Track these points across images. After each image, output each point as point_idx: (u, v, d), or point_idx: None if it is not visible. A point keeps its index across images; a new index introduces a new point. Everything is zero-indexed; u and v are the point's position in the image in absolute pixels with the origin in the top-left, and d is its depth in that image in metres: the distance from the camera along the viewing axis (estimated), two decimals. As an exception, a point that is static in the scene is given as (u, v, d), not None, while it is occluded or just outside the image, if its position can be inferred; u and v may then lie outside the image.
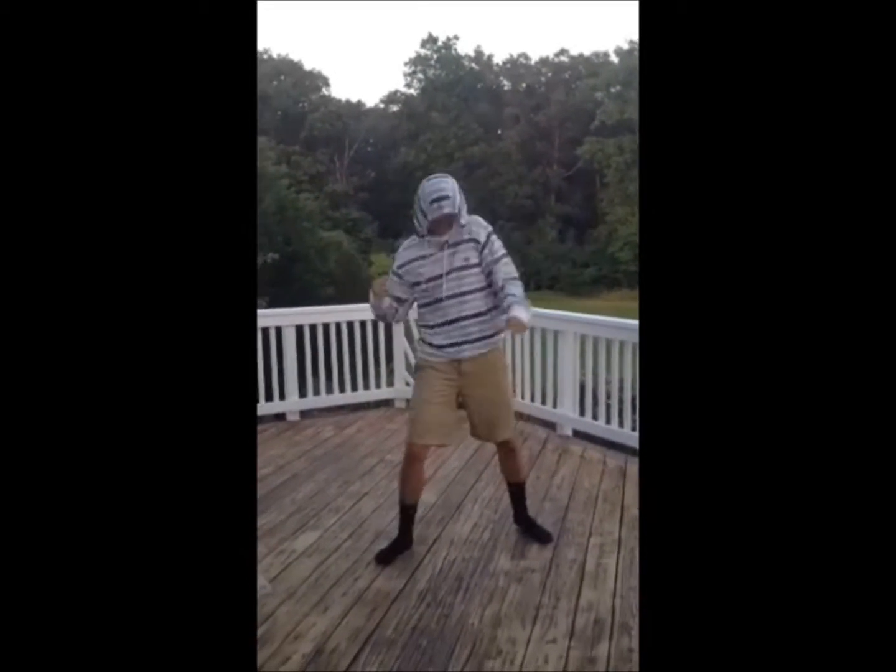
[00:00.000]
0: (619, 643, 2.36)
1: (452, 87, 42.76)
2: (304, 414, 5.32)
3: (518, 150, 40.73)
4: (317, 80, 46.20)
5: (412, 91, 45.41)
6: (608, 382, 4.57)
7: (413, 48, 71.75)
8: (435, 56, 44.32)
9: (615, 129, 37.29)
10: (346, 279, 18.40)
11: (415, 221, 2.81)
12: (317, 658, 2.31)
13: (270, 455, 4.43)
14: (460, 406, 3.00)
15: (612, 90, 39.57)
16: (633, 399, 4.27)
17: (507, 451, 3.11)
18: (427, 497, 3.68)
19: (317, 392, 5.39)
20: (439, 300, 2.83)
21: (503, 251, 2.84)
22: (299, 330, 5.22)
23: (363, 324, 5.42)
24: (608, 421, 4.53)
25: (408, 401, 5.53)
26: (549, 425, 4.91)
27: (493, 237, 2.83)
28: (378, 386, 5.57)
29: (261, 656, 2.30)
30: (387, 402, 5.61)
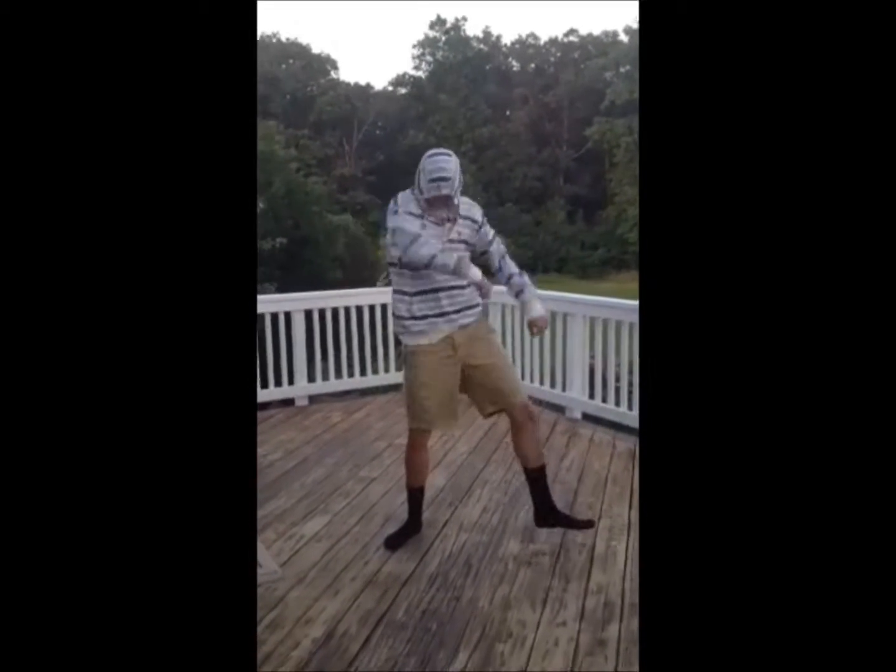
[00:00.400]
0: (630, 625, 2.36)
1: (461, 69, 42.45)
2: (313, 399, 5.33)
3: (527, 131, 40.46)
4: (325, 64, 45.92)
5: (420, 73, 45.15)
6: (617, 365, 4.55)
7: (421, 30, 71.28)
8: (443, 38, 43.99)
9: (625, 109, 36.91)
10: (354, 263, 18.38)
11: (417, 189, 2.75)
12: (327, 642, 2.32)
13: (279, 440, 4.44)
14: (462, 388, 2.91)
15: (622, 70, 39.18)
16: (643, 382, 4.25)
17: (523, 422, 2.87)
18: (436, 481, 3.69)
19: (325, 377, 5.39)
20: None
21: (493, 230, 2.95)
22: (308, 314, 5.22)
23: (372, 308, 5.42)
24: (617, 404, 4.52)
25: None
26: (558, 408, 4.90)
27: (485, 217, 2.91)
28: (387, 370, 5.57)
29: (272, 640, 2.32)
30: (395, 387, 5.60)
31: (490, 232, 2.91)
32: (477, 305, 2.87)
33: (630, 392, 4.46)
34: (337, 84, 44.62)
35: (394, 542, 2.99)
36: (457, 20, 44.10)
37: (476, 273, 2.66)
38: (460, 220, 2.79)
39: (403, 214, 2.70)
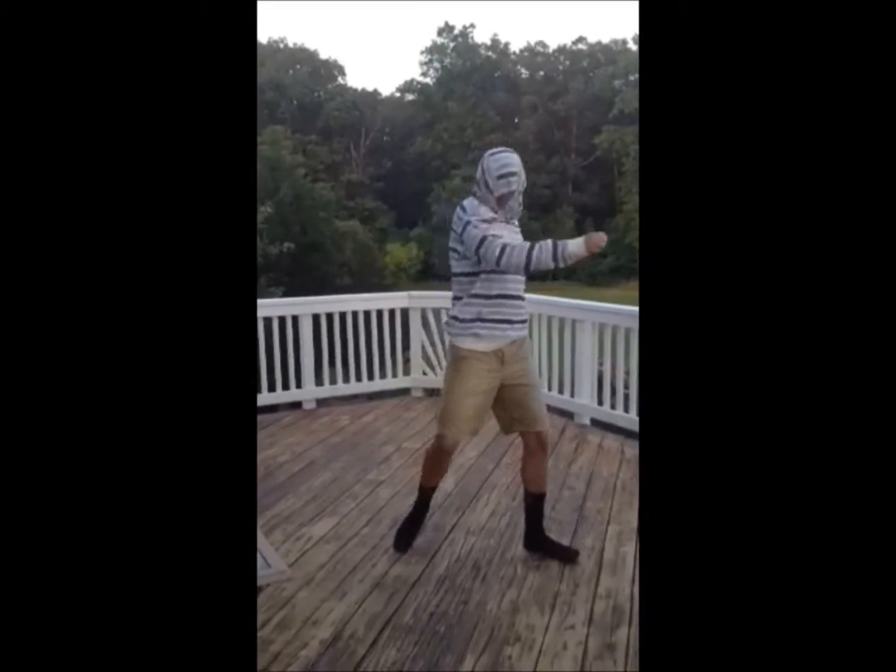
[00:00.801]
0: (638, 630, 2.35)
1: (469, 76, 42.59)
2: (321, 402, 5.34)
3: (535, 139, 40.53)
4: (333, 70, 46.18)
5: (428, 80, 45.32)
6: (626, 372, 4.54)
7: (429, 37, 71.70)
8: (451, 45, 44.16)
9: (633, 117, 36.85)
10: (362, 269, 18.44)
11: (482, 192, 2.66)
12: (335, 643, 2.32)
13: (287, 443, 4.45)
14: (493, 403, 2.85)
15: (631, 78, 39.23)
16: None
17: (538, 446, 2.87)
18: (445, 485, 3.68)
19: (333, 381, 5.40)
20: (502, 272, 2.63)
21: None
22: (315, 319, 5.23)
23: (379, 313, 5.42)
24: (626, 410, 4.50)
25: (428, 390, 5.56)
26: (567, 414, 4.89)
27: None
28: (395, 375, 5.58)
29: (280, 641, 2.31)
30: (403, 391, 5.62)
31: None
32: (527, 320, 2.82)
33: (639, 399, 4.45)
34: (344, 90, 44.86)
35: (403, 540, 2.99)
36: (465, 27, 44.33)
37: (576, 245, 2.48)
38: (515, 222, 2.75)
39: (477, 224, 2.58)
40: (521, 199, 2.71)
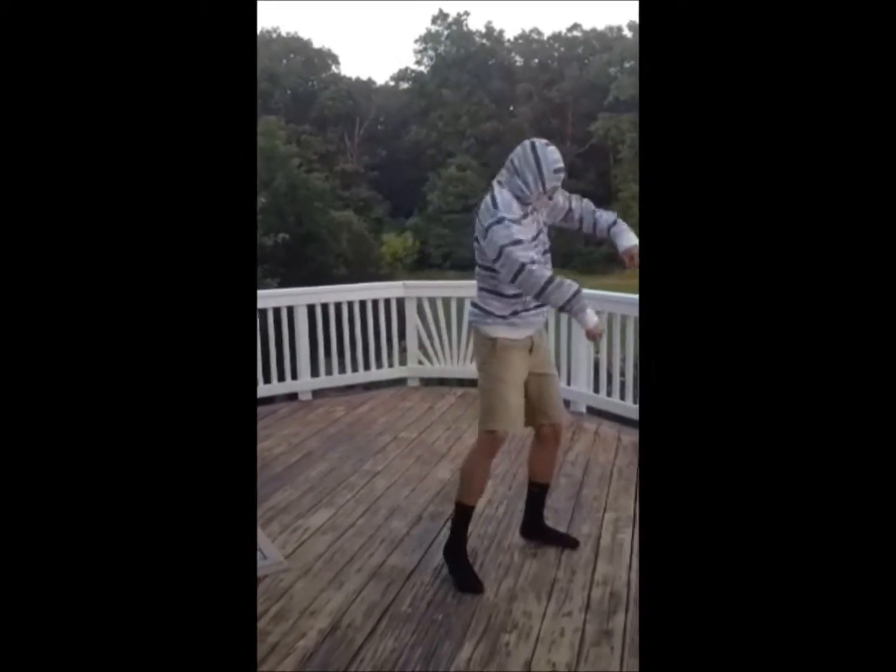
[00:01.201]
0: (636, 616, 2.36)
1: (464, 64, 42.39)
2: (317, 393, 5.33)
3: (531, 127, 40.32)
4: (326, 59, 45.93)
5: (423, 68, 45.10)
6: (622, 359, 4.54)
7: (423, 25, 71.28)
8: (445, 32, 43.93)
9: (629, 104, 36.82)
10: (357, 259, 18.41)
11: (514, 178, 2.53)
12: (333, 633, 2.32)
13: (284, 434, 4.44)
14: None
15: (626, 65, 39.11)
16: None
17: (552, 437, 2.82)
18: (441, 474, 3.70)
19: (329, 372, 5.39)
20: (535, 261, 2.49)
21: (566, 192, 2.78)
22: (311, 310, 5.22)
23: (375, 302, 5.41)
24: (622, 397, 4.51)
25: (424, 380, 5.55)
26: (564, 402, 4.86)
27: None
28: (391, 365, 5.57)
29: (277, 631, 2.32)
30: (399, 382, 5.61)
31: (562, 198, 2.71)
32: (546, 306, 2.67)
33: (635, 386, 4.45)
34: (338, 79, 44.62)
35: (467, 583, 2.62)
36: (459, 15, 44.08)
37: (584, 313, 2.45)
38: (542, 209, 2.64)
39: (508, 225, 2.46)
40: None
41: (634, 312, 4.34)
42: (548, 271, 2.50)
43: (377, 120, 45.53)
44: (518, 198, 2.52)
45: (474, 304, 2.69)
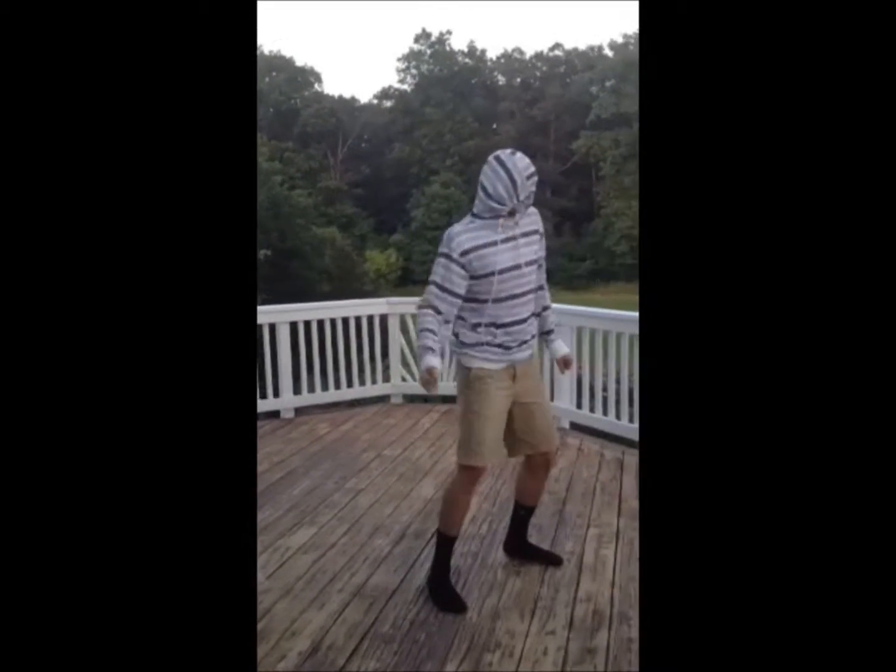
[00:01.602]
0: (619, 633, 2.35)
1: (447, 82, 42.70)
2: (299, 411, 5.29)
3: (514, 144, 40.23)
4: (309, 76, 46.08)
5: (406, 87, 45.39)
6: (605, 375, 4.55)
7: (406, 44, 71.79)
8: (428, 51, 44.28)
9: (611, 122, 37.25)
10: (341, 275, 18.38)
11: (485, 199, 2.41)
12: (314, 654, 2.29)
13: (266, 452, 4.40)
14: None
15: (608, 84, 39.54)
16: (631, 391, 4.26)
17: (542, 465, 2.76)
18: (425, 491, 3.68)
19: (311, 389, 5.36)
20: (515, 296, 2.47)
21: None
22: (293, 327, 5.20)
23: (358, 319, 5.40)
24: (605, 413, 4.52)
25: (408, 397, 5.53)
26: (547, 418, 4.89)
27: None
28: (374, 382, 5.55)
29: (258, 653, 2.28)
30: (383, 398, 5.59)
31: (544, 248, 2.62)
32: (534, 339, 2.63)
33: (617, 402, 4.47)
34: (321, 97, 44.78)
35: (452, 606, 2.58)
36: (441, 34, 44.45)
37: (430, 362, 2.38)
38: (532, 235, 2.53)
39: (448, 265, 2.41)
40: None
41: (616, 328, 4.37)
42: (435, 337, 2.41)
43: (361, 137, 45.66)
44: (484, 216, 2.43)
45: (454, 332, 2.58)
